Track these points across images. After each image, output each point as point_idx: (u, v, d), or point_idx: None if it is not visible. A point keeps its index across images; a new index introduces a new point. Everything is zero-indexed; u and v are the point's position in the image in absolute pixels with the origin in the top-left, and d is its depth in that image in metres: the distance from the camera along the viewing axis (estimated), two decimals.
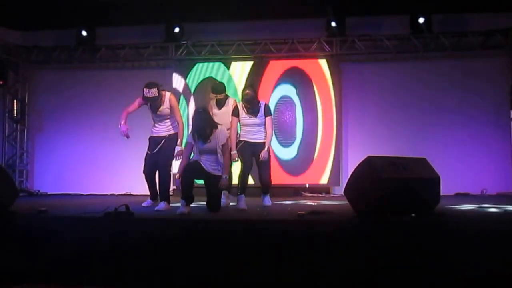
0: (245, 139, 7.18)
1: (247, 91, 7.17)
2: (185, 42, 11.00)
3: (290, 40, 10.70)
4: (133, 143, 11.03)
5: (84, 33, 11.06)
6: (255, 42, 10.80)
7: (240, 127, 7.33)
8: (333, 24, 10.42)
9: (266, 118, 7.20)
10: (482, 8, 9.98)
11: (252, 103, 7.14)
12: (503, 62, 10.41)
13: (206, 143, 6.31)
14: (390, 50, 10.55)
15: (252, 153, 7.18)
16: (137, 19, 10.46)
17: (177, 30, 10.89)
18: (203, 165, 6.28)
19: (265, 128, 7.21)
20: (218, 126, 6.47)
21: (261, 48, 10.76)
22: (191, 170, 6.24)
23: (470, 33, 10.25)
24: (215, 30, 10.91)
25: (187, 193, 6.15)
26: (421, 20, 10.16)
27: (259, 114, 7.16)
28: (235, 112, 7.20)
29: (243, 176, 7.12)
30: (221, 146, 6.33)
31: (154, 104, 7.00)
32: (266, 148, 7.15)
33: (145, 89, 6.89)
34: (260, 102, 7.29)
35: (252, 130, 7.19)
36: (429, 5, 9.98)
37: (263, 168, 7.22)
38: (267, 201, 7.39)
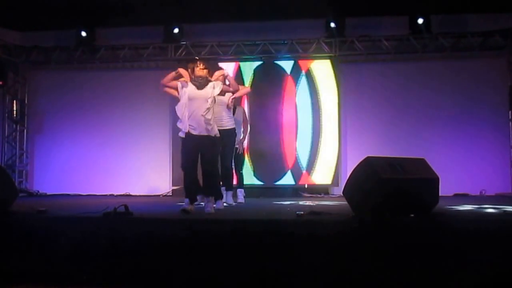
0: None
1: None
2: (185, 42, 11.02)
3: (289, 40, 10.71)
4: (132, 143, 11.13)
5: (83, 33, 11.07)
6: (254, 43, 10.81)
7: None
8: (332, 24, 10.45)
9: None
10: (481, 9, 10.00)
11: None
12: (502, 63, 10.43)
13: (200, 89, 6.23)
14: (389, 50, 10.56)
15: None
16: (136, 19, 10.45)
17: (176, 30, 10.91)
18: (194, 132, 6.17)
19: None
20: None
21: (260, 48, 10.78)
22: (188, 153, 6.23)
23: (469, 33, 10.26)
24: (215, 31, 10.92)
25: (190, 191, 6.18)
26: (420, 20, 10.18)
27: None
28: None
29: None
30: (212, 98, 6.25)
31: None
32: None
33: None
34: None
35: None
36: (428, 6, 10.00)
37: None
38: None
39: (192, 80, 6.33)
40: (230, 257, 4.39)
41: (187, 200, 6.21)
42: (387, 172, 5.00)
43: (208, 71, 6.35)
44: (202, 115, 6.14)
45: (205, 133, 6.19)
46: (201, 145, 6.20)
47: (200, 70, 6.25)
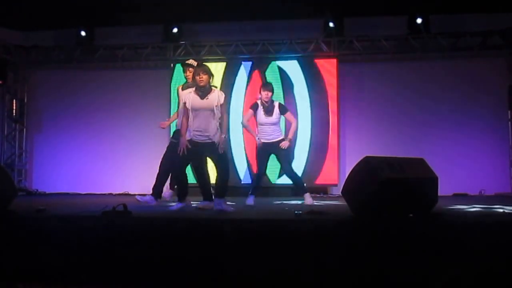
0: (262, 140, 7.42)
1: (268, 91, 7.38)
2: (184, 42, 11.03)
3: (288, 40, 10.72)
4: (130, 142, 11.14)
5: (83, 33, 11.11)
6: (253, 43, 10.82)
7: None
8: (331, 24, 10.47)
9: (285, 115, 7.54)
10: (480, 9, 10.00)
11: (270, 102, 7.42)
12: (501, 63, 10.45)
13: (203, 99, 6.11)
14: (388, 50, 10.57)
15: (269, 153, 7.51)
16: (135, 19, 10.48)
17: (175, 30, 10.93)
18: (197, 140, 6.14)
19: (279, 126, 7.52)
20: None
21: (259, 48, 10.78)
22: (188, 157, 6.26)
23: (468, 33, 10.26)
24: (214, 31, 10.95)
25: (181, 189, 6.27)
26: (419, 20, 10.21)
27: (274, 113, 7.40)
28: (254, 107, 7.47)
29: (257, 179, 7.61)
30: (219, 107, 6.14)
31: None
32: (288, 139, 7.47)
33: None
34: (274, 101, 7.50)
35: (268, 130, 7.42)
36: (427, 6, 10.00)
37: (285, 162, 7.54)
38: (309, 199, 7.57)
39: (194, 90, 6.21)
40: (229, 257, 4.40)
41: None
42: (386, 172, 4.99)
43: (209, 77, 6.17)
44: (207, 126, 6.11)
45: (210, 140, 6.15)
46: (206, 150, 6.24)
47: (200, 78, 6.10)
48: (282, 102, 10.20)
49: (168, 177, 7.41)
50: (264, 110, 7.38)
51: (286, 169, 7.61)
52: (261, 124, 7.43)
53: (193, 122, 6.13)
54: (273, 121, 7.41)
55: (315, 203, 7.69)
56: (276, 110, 7.43)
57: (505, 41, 10.15)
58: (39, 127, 11.77)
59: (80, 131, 11.40)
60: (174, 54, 11.04)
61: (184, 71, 7.06)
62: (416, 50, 10.48)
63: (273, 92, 7.47)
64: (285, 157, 7.55)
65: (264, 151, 7.45)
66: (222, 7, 9.92)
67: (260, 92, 7.46)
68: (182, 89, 6.95)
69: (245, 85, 10.84)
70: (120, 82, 11.32)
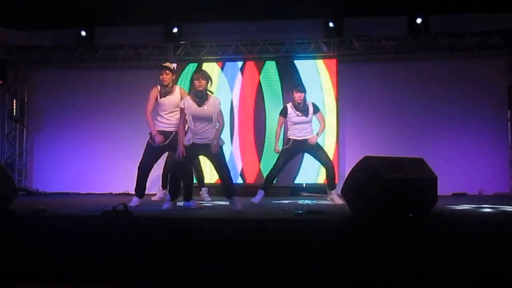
0: (293, 137, 7.63)
1: (301, 93, 7.58)
2: (184, 42, 11.03)
3: (288, 40, 10.71)
4: (130, 142, 11.12)
5: (83, 33, 11.10)
6: (253, 43, 10.81)
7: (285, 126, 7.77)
8: (331, 24, 10.47)
9: (317, 114, 7.76)
10: (480, 9, 10.00)
11: (303, 102, 7.63)
12: (501, 63, 10.44)
13: (201, 106, 6.18)
14: (388, 50, 10.57)
15: (296, 153, 7.83)
16: (135, 19, 10.47)
17: (175, 30, 10.93)
18: (197, 142, 6.23)
19: (311, 125, 7.73)
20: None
21: (259, 48, 10.78)
22: (188, 158, 6.36)
23: (468, 33, 10.26)
24: (213, 31, 10.94)
25: (174, 187, 6.46)
26: (418, 20, 10.21)
27: (309, 112, 7.65)
28: (283, 112, 7.71)
29: (270, 176, 7.76)
30: (216, 114, 6.23)
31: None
32: (317, 134, 7.71)
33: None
34: (307, 101, 7.70)
35: (300, 128, 7.62)
36: (427, 6, 10.01)
37: (322, 152, 7.75)
38: (336, 198, 7.65)
39: (191, 96, 6.29)
40: (229, 256, 4.40)
41: (168, 196, 6.58)
42: (385, 172, 5.00)
43: (207, 82, 6.25)
44: (206, 131, 6.22)
45: (209, 142, 6.25)
46: (205, 150, 6.31)
47: (200, 83, 6.17)
48: (281, 102, 10.30)
49: (147, 176, 7.39)
50: (298, 110, 7.59)
51: (325, 158, 7.74)
52: (295, 123, 7.63)
53: (193, 129, 6.22)
54: (308, 120, 7.63)
55: (316, 202, 7.73)
56: (311, 109, 7.67)
57: (505, 41, 10.15)
58: (39, 126, 11.77)
59: (80, 131, 11.40)
60: (174, 54, 11.03)
61: (161, 74, 6.92)
62: (416, 50, 10.47)
63: (305, 92, 7.64)
64: (320, 149, 7.74)
65: (292, 150, 7.66)
66: (222, 7, 9.92)
67: (292, 94, 7.64)
68: (161, 96, 6.93)
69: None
70: (120, 82, 11.31)
